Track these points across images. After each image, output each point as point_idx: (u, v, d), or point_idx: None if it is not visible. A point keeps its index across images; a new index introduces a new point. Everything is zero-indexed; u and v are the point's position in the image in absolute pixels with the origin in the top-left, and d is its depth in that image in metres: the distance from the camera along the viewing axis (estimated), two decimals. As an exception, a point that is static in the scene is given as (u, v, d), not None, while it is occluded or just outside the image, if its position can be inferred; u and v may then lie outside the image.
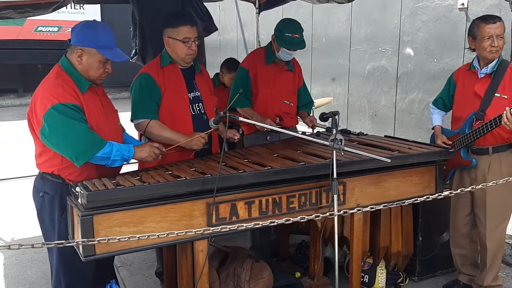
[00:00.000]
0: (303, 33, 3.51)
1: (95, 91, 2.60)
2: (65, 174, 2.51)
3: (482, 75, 3.02)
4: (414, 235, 3.44)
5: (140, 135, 3.11)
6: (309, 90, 4.02)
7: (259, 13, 6.15)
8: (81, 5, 11.24)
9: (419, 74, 6.40)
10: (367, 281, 3.44)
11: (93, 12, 14.07)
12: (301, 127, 5.19)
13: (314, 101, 5.37)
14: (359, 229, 2.94)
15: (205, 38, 5.45)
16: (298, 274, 3.42)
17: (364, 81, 7.42)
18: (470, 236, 3.28)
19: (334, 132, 2.57)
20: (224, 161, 2.84)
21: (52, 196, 2.52)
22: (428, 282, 3.57)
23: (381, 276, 3.42)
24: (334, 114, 2.73)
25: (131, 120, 3.03)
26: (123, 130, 2.93)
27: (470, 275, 3.35)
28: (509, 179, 2.74)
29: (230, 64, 4.59)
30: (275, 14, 9.49)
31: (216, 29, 5.76)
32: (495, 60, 2.98)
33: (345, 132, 3.69)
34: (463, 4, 5.64)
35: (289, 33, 3.41)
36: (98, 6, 13.95)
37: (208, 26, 5.58)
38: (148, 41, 5.00)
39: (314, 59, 8.71)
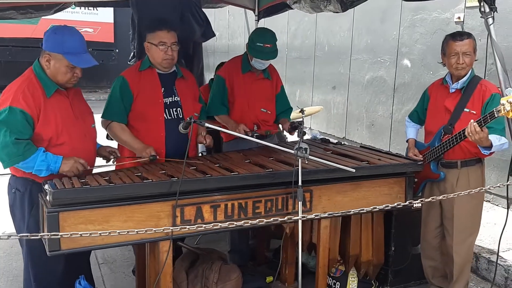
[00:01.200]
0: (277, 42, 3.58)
1: (64, 95, 2.71)
2: (33, 177, 2.62)
3: (453, 90, 3.08)
4: (386, 245, 3.48)
5: (107, 135, 3.24)
6: (310, 98, 4.06)
7: (258, 20, 6.25)
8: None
9: (415, 85, 6.43)
10: (338, 288, 3.51)
11: (106, 14, 14.36)
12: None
13: (305, 109, 5.45)
14: (326, 236, 3.00)
15: (215, 43, 5.59)
16: (269, 278, 3.49)
17: (363, 91, 7.47)
18: (441, 249, 3.32)
19: (299, 140, 2.65)
20: (195, 166, 2.95)
21: (22, 193, 2.64)
22: (400, 292, 3.62)
23: (352, 283, 3.47)
24: (300, 124, 2.82)
25: (101, 117, 3.18)
26: None
27: (441, 287, 3.39)
28: (481, 189, 2.80)
29: None
30: (281, 21, 9.60)
31: (214, 35, 5.89)
32: (467, 76, 3.03)
33: (324, 141, 3.76)
34: (459, 17, 5.66)
35: (261, 42, 3.49)
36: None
37: (206, 31, 5.70)
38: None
39: (316, 67, 8.78)
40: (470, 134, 2.74)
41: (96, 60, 2.69)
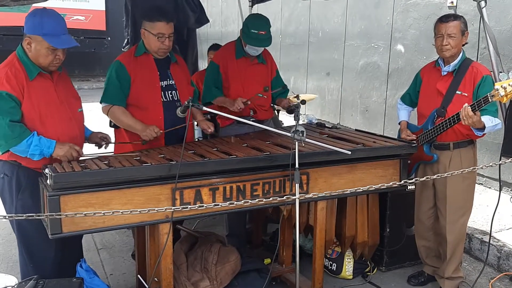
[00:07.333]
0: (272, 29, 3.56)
1: (48, 78, 2.69)
2: (19, 160, 2.62)
3: (445, 73, 3.13)
4: (381, 226, 3.55)
5: (110, 121, 3.26)
6: (305, 84, 4.05)
7: (252, 6, 6.26)
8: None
9: (409, 70, 6.47)
10: (334, 269, 3.57)
11: (98, 1, 14.25)
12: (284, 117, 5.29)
13: (300, 95, 5.48)
14: (322, 218, 3.05)
15: (209, 30, 5.56)
16: (267, 260, 3.55)
17: (356, 77, 7.51)
18: (434, 229, 3.39)
19: (296, 123, 2.69)
20: (194, 149, 2.98)
21: (10, 178, 2.65)
22: (395, 272, 3.69)
23: (348, 264, 3.55)
24: (297, 106, 2.85)
25: (100, 102, 3.21)
26: None
27: (434, 267, 3.46)
28: (474, 169, 2.85)
29: (216, 48, 4.68)
30: (275, 7, 9.58)
31: (208, 21, 5.88)
32: (458, 59, 3.08)
33: (320, 125, 3.80)
34: (452, 2, 5.69)
35: (255, 29, 3.48)
36: (103, -6, 14.13)
37: (199, 18, 5.70)
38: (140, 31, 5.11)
39: (310, 53, 8.80)
40: (464, 118, 2.79)
41: (81, 46, 2.69)
